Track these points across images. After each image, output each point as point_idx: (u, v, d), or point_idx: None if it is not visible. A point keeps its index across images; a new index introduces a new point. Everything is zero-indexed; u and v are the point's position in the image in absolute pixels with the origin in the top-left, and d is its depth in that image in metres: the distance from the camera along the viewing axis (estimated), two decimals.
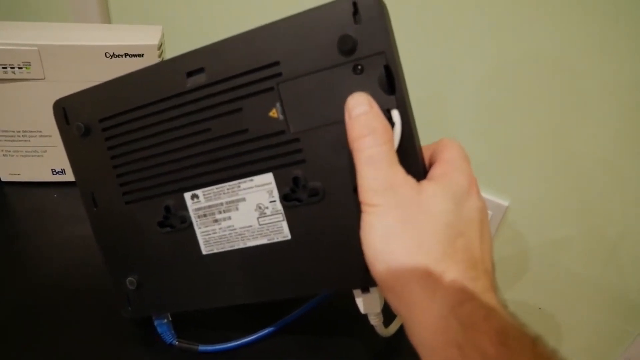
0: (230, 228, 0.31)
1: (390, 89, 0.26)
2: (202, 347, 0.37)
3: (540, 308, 0.62)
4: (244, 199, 0.30)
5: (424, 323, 0.23)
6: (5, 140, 0.53)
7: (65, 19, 0.71)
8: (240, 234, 0.31)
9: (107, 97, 0.33)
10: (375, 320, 0.32)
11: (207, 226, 0.32)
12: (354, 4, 0.25)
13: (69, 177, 0.56)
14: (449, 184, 0.25)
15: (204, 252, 0.33)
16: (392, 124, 0.26)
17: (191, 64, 0.30)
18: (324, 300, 0.40)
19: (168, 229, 0.33)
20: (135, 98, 0.31)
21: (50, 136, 0.53)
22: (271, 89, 0.28)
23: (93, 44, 0.47)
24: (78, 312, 0.40)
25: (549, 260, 0.58)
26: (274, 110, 0.28)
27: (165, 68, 0.31)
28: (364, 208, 0.25)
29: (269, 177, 0.29)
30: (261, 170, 0.29)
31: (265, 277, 0.31)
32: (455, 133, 0.57)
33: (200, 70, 0.29)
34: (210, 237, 0.32)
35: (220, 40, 0.29)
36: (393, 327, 0.35)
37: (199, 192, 0.32)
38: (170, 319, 0.38)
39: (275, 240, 0.30)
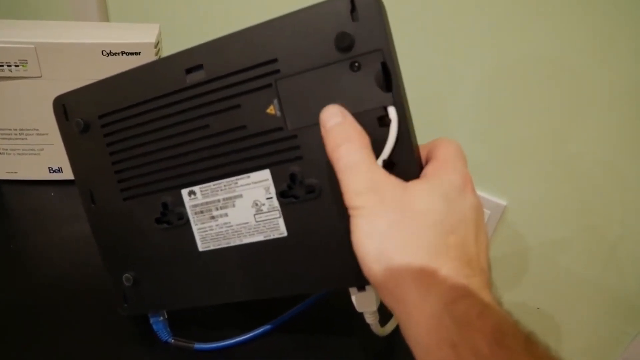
0: (227, 225, 0.31)
1: (387, 86, 0.26)
2: (198, 345, 0.37)
3: (538, 308, 0.62)
4: (240, 196, 0.30)
5: (418, 321, 0.22)
6: (2, 138, 0.52)
7: (64, 17, 0.71)
8: (236, 231, 0.31)
9: (107, 94, 0.33)
10: (371, 319, 0.32)
11: (203, 223, 0.32)
12: (352, 2, 0.25)
13: (66, 175, 0.56)
14: (440, 182, 0.24)
15: (200, 249, 0.33)
16: (389, 122, 0.25)
17: (190, 60, 0.30)
18: (321, 298, 0.40)
19: (165, 225, 0.33)
20: (135, 95, 0.31)
21: (47, 134, 0.53)
22: (269, 85, 0.28)
23: (90, 42, 0.47)
24: (77, 312, 0.40)
25: (548, 260, 0.58)
26: (271, 107, 0.28)
27: (164, 65, 0.31)
28: (350, 212, 0.25)
29: (266, 174, 0.29)
30: (258, 167, 0.29)
31: (261, 274, 0.31)
32: (454, 133, 0.57)
33: (199, 67, 0.30)
34: (207, 234, 0.32)
35: (219, 37, 0.29)
36: (389, 327, 0.35)
37: (196, 188, 0.32)
38: (167, 317, 0.38)
39: (272, 237, 0.30)
